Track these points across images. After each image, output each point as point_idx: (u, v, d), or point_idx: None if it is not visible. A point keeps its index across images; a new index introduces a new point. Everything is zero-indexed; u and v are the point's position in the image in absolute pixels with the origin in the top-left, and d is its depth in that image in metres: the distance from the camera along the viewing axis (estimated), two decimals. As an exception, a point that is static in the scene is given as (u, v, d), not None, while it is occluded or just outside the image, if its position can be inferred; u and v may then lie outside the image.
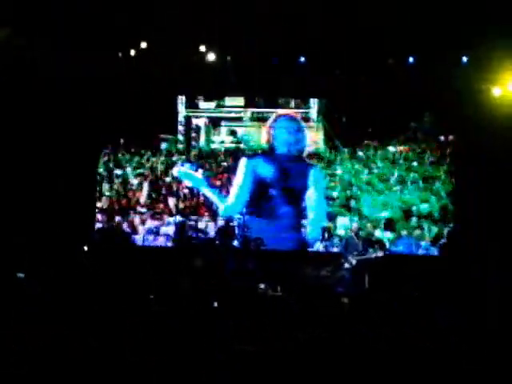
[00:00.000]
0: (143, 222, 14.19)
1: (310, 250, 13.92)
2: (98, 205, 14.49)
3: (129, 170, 14.94)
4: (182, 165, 14.67)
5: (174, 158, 14.95)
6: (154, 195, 14.74)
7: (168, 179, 14.83)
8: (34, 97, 13.09)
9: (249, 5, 11.30)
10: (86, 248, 12.44)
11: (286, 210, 14.39)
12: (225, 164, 14.91)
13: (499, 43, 11.14)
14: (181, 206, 14.51)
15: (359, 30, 12.05)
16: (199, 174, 14.54)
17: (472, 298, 10.76)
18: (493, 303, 10.54)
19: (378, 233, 14.05)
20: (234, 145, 15.02)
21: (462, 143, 13.86)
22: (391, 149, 14.72)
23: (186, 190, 14.65)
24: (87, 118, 13.82)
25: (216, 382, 6.32)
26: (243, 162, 14.61)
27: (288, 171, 14.50)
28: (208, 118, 15.12)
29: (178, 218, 14.11)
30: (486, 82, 12.21)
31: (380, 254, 12.24)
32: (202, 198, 14.49)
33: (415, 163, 14.64)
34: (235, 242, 13.12)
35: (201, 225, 13.90)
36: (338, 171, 14.75)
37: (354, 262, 12.05)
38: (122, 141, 14.96)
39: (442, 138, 14.61)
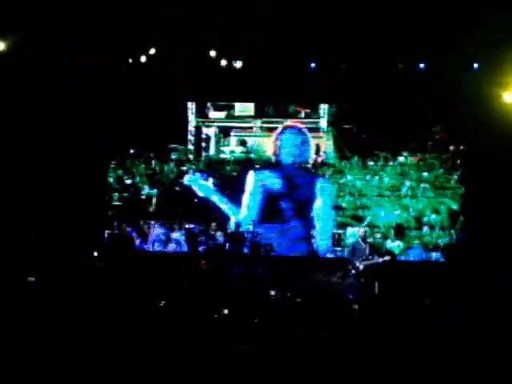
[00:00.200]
0: (153, 230, 14.16)
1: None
2: (109, 213, 14.53)
3: (138, 179, 14.95)
4: (194, 174, 14.71)
5: (184, 168, 14.95)
6: (163, 204, 14.76)
7: (178, 188, 14.84)
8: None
9: (260, 8, 11.33)
10: (96, 253, 12.45)
11: (295, 221, 14.43)
12: (234, 174, 14.90)
13: (510, 48, 11.08)
14: (190, 214, 14.50)
15: (369, 36, 12.02)
16: (210, 183, 14.58)
17: (479, 302, 10.70)
18: (496, 307, 10.48)
19: (388, 243, 14.02)
20: (243, 155, 15.01)
21: (472, 151, 13.79)
22: (401, 159, 14.64)
23: (196, 200, 14.65)
24: (97, 127, 13.89)
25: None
26: (251, 176, 14.70)
27: (296, 183, 14.58)
28: (218, 127, 15.14)
29: (188, 225, 14.10)
30: (498, 87, 12.13)
31: (387, 258, 12.17)
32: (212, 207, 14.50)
33: (426, 173, 14.56)
34: (245, 249, 13.08)
35: (211, 231, 13.85)
36: (348, 181, 14.69)
37: (361, 267, 11.98)
38: (132, 151, 14.96)
39: (452, 147, 14.52)
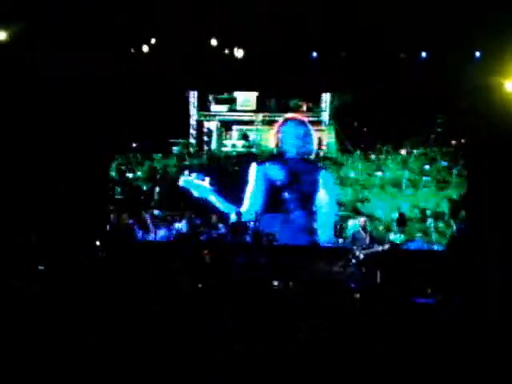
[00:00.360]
0: (154, 223, 14.17)
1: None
2: (111, 207, 14.53)
3: (139, 173, 14.96)
4: (189, 175, 14.70)
5: (187, 162, 14.95)
6: (165, 198, 14.76)
7: (180, 182, 14.84)
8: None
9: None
10: (98, 243, 12.46)
11: (297, 212, 14.45)
12: (236, 168, 14.90)
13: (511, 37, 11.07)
14: (192, 207, 14.50)
15: (370, 27, 12.04)
16: (206, 182, 14.58)
17: (479, 293, 10.68)
18: (497, 297, 10.46)
19: (390, 235, 14.00)
20: (245, 149, 15.02)
21: (474, 143, 13.78)
22: (403, 152, 14.64)
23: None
24: (98, 122, 13.90)
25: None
26: (253, 168, 14.72)
27: (298, 174, 14.60)
28: (220, 121, 15.16)
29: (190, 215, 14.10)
30: (499, 77, 12.11)
31: (387, 246, 12.18)
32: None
33: (427, 166, 14.55)
34: (247, 238, 13.08)
35: (212, 222, 13.84)
36: (350, 174, 14.69)
37: (361, 256, 11.99)
38: (134, 145, 14.97)
39: (454, 141, 14.52)
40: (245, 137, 15.09)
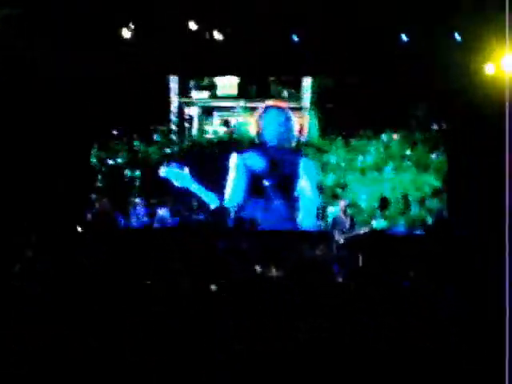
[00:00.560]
0: (136, 208, 14.14)
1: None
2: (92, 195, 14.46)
3: (120, 160, 14.88)
4: (168, 165, 14.65)
5: (168, 150, 14.89)
6: (147, 185, 14.71)
7: (160, 172, 14.79)
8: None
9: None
10: (79, 229, 12.41)
11: (279, 200, 14.45)
12: (216, 155, 14.85)
13: (492, 17, 11.04)
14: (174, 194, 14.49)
15: (351, 9, 12.02)
16: (186, 171, 14.54)
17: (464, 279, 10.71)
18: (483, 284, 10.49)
19: (373, 221, 14.05)
20: (226, 135, 14.99)
21: (455, 128, 13.85)
22: (384, 137, 14.68)
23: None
24: (80, 109, 13.83)
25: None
26: (234, 158, 14.72)
27: (279, 162, 14.62)
28: (201, 107, 15.10)
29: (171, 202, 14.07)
30: (481, 59, 12.15)
31: (366, 229, 12.26)
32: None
33: (408, 151, 14.61)
34: (229, 223, 13.09)
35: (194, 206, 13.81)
36: (331, 161, 14.70)
37: (341, 240, 12.06)
38: (114, 132, 14.89)
39: (435, 126, 14.58)
40: (226, 123, 15.05)
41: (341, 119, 14.62)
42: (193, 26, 12.23)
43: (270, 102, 14.91)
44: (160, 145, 14.88)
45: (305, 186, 14.58)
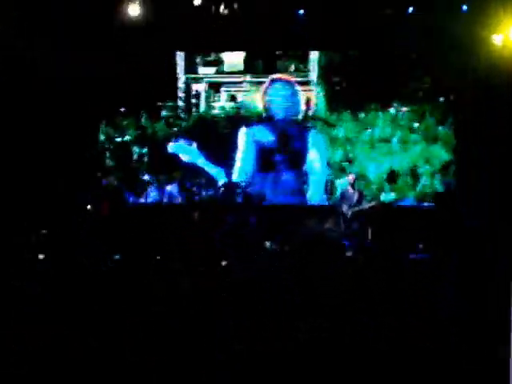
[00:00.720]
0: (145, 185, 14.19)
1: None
2: (99, 174, 14.50)
3: (128, 137, 14.90)
4: (176, 140, 14.66)
5: (175, 129, 14.89)
6: (155, 163, 14.74)
7: (168, 148, 14.81)
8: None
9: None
10: (88, 207, 12.46)
11: (288, 173, 14.46)
12: (225, 131, 14.85)
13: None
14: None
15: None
16: (194, 147, 14.55)
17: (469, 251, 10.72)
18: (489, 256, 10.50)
19: (381, 194, 14.06)
20: (234, 110, 14.97)
21: (462, 99, 13.78)
22: (392, 110, 14.63)
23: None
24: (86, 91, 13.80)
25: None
26: (243, 131, 14.68)
27: (287, 135, 14.58)
28: (208, 83, 15.08)
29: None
30: (487, 30, 12.06)
31: (374, 203, 12.27)
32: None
33: (416, 123, 14.56)
34: (237, 198, 13.12)
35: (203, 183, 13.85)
36: (339, 134, 14.68)
37: (349, 213, 12.07)
38: (122, 109, 14.90)
39: (442, 98, 14.52)
40: (233, 98, 15.03)
41: (348, 92, 14.58)
42: (199, 1, 12.15)
43: (275, 76, 14.85)
44: (168, 121, 14.86)
45: (314, 158, 14.56)
